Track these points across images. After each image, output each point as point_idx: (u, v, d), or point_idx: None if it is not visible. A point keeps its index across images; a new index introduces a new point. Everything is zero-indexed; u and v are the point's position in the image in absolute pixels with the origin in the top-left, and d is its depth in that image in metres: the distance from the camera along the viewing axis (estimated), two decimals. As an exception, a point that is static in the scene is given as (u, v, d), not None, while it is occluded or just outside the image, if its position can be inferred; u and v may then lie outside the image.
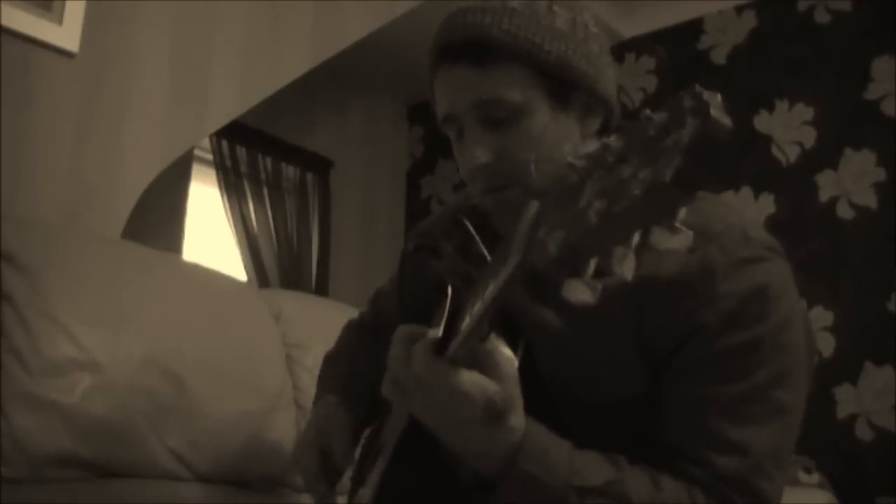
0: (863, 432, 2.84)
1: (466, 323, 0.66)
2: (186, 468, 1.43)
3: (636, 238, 0.46)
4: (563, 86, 0.88)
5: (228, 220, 3.61)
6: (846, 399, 2.89)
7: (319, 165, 4.02)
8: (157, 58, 2.01)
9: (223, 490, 1.49)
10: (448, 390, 0.70)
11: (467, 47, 0.87)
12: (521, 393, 0.73)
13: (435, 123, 0.94)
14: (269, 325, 1.76)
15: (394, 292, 1.25)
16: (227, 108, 2.22)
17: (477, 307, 0.63)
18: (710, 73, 3.45)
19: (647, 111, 0.45)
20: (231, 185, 3.62)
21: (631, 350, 0.85)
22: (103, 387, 1.32)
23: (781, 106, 3.26)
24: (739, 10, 3.45)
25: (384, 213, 4.33)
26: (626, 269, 0.46)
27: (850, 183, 3.04)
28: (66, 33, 1.79)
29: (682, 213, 0.44)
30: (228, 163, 3.63)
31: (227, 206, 3.61)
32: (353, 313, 1.38)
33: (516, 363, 0.73)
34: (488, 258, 0.81)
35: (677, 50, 3.61)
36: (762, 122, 3.28)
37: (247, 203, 3.69)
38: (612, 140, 0.47)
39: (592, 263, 0.49)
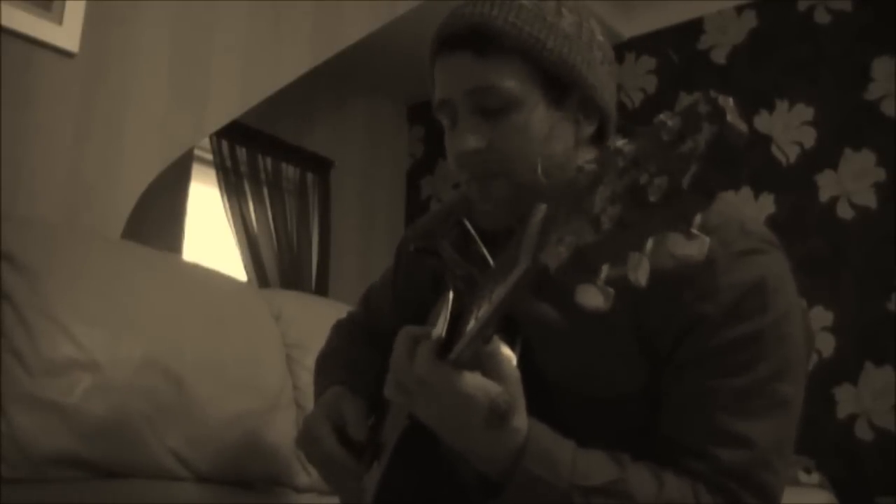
0: (863, 432, 2.84)
1: (472, 326, 0.66)
2: (186, 468, 1.43)
3: (650, 244, 0.45)
4: (560, 86, 0.88)
5: (228, 220, 3.61)
6: (846, 399, 2.89)
7: (319, 165, 4.02)
8: (157, 58, 2.01)
9: (223, 490, 1.48)
10: (451, 393, 0.69)
11: (470, 35, 0.87)
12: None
13: (435, 123, 0.94)
14: (269, 325, 1.76)
15: (387, 289, 1.25)
16: (227, 108, 2.22)
17: (483, 310, 0.63)
18: (710, 73, 3.45)
19: (661, 116, 0.44)
20: (231, 185, 3.62)
21: (630, 345, 0.85)
22: (103, 387, 1.32)
23: (781, 106, 3.26)
24: (739, 10, 3.45)
25: (384, 213, 4.33)
26: (641, 275, 0.46)
27: (850, 183, 3.04)
28: (66, 33, 1.79)
29: (699, 219, 0.43)
30: (228, 163, 3.63)
31: (227, 206, 3.60)
32: (353, 313, 1.38)
33: (515, 361, 0.73)
34: (489, 260, 0.81)
35: (677, 50, 3.61)
36: (762, 122, 3.28)
37: (247, 203, 3.69)
38: (623, 144, 0.47)
39: (605, 269, 0.48)
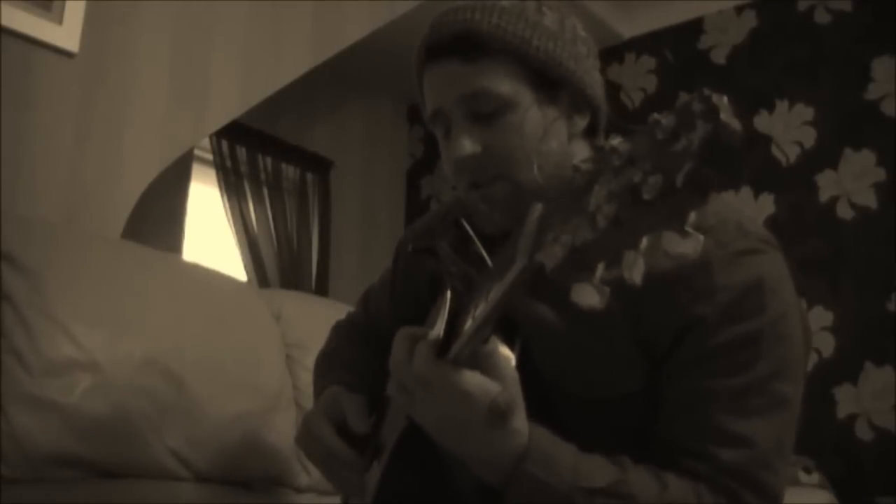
0: (863, 432, 2.84)
1: (469, 325, 0.66)
2: (186, 468, 1.43)
3: (645, 242, 0.45)
4: (550, 83, 0.89)
5: (228, 220, 3.61)
6: (846, 399, 2.88)
7: (319, 165, 4.02)
8: (157, 58, 2.01)
9: (223, 490, 1.48)
10: (450, 391, 0.69)
11: (456, 43, 0.87)
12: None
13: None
14: (269, 325, 1.76)
15: (385, 290, 1.25)
16: (227, 108, 2.22)
17: (480, 309, 0.63)
18: (710, 73, 3.45)
19: (655, 115, 0.44)
20: (231, 185, 3.62)
21: (628, 346, 0.85)
22: (103, 387, 1.32)
23: (781, 106, 3.26)
24: (739, 10, 3.45)
25: (384, 213, 4.33)
26: (636, 273, 0.46)
27: (850, 183, 3.04)
28: (66, 33, 1.79)
29: (693, 217, 0.44)
30: (228, 163, 3.63)
31: (227, 206, 3.60)
32: (353, 313, 1.38)
33: (514, 362, 0.73)
34: (487, 260, 0.81)
35: (677, 50, 3.61)
36: (762, 122, 3.28)
37: (247, 203, 3.68)
38: (619, 143, 0.47)
39: (601, 267, 0.49)
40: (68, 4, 1.79)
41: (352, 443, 1.03)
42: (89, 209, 1.84)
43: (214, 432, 1.47)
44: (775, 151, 3.24)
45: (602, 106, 0.95)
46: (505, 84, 0.87)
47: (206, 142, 3.50)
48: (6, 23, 1.68)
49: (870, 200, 2.99)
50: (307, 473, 1.64)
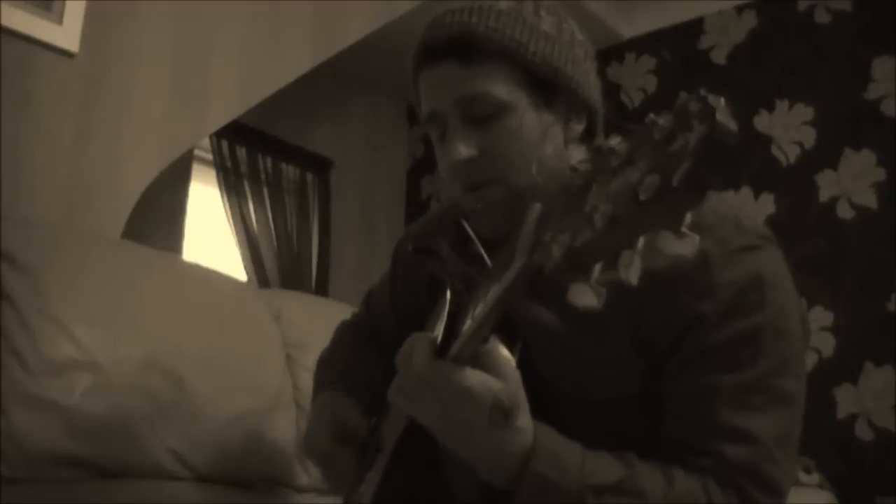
0: (863, 432, 2.83)
1: (469, 325, 0.66)
2: (186, 468, 1.43)
3: (642, 242, 0.45)
4: (546, 86, 0.89)
5: (228, 220, 3.61)
6: (846, 399, 2.88)
7: (319, 165, 4.02)
8: (157, 58, 2.01)
9: (223, 490, 1.48)
10: (451, 388, 0.69)
11: (453, 45, 0.87)
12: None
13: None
14: (269, 325, 1.76)
15: (385, 293, 1.25)
16: (227, 108, 2.22)
17: (479, 309, 0.63)
18: (710, 73, 3.45)
19: (652, 115, 0.44)
20: (231, 185, 3.62)
21: (627, 346, 0.85)
22: (103, 387, 1.32)
23: (781, 106, 3.26)
24: (739, 10, 3.45)
25: (384, 213, 4.33)
26: (633, 273, 0.46)
27: (850, 183, 3.04)
28: (66, 33, 1.79)
29: (689, 217, 0.44)
30: (228, 163, 3.63)
31: (227, 206, 3.60)
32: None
33: (514, 363, 0.73)
34: (486, 260, 0.81)
35: (677, 50, 3.61)
36: (762, 122, 3.28)
37: (247, 203, 3.68)
38: (617, 144, 0.47)
39: (598, 267, 0.49)
40: (68, 4, 1.79)
41: (351, 445, 1.04)
42: (89, 209, 1.84)
43: (214, 432, 1.47)
44: (775, 151, 3.24)
45: (599, 109, 0.95)
46: (501, 87, 0.87)
47: (206, 142, 3.50)
48: (6, 23, 1.68)
49: (870, 200, 2.99)
50: (307, 473, 1.64)
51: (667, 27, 3.64)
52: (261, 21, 2.25)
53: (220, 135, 3.45)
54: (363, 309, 1.33)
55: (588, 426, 0.81)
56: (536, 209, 0.56)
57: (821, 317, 2.97)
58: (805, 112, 3.20)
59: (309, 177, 3.99)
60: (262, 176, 3.78)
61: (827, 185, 3.09)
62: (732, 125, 0.40)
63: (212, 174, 3.60)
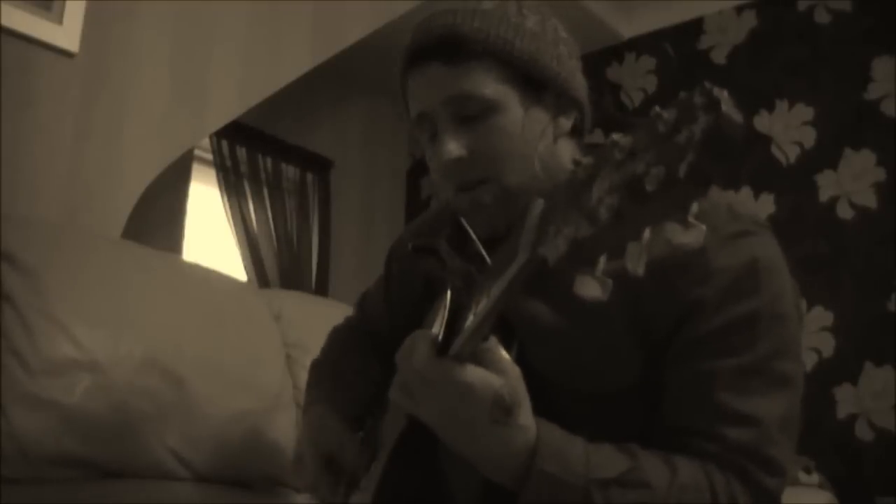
0: (863, 432, 2.83)
1: (471, 321, 0.66)
2: (186, 468, 1.43)
3: (648, 233, 0.46)
4: (534, 84, 0.89)
5: (228, 220, 3.61)
6: (846, 399, 2.88)
7: (319, 165, 4.02)
8: (157, 58, 2.01)
9: (223, 490, 1.48)
10: (452, 385, 0.69)
11: (439, 47, 0.88)
12: None
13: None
14: (269, 325, 1.76)
15: (379, 296, 1.25)
16: (227, 108, 2.22)
17: (482, 305, 0.63)
18: (710, 73, 3.45)
19: (657, 108, 0.44)
20: (231, 185, 3.62)
21: (624, 337, 0.85)
22: (103, 387, 1.32)
23: (781, 106, 3.26)
24: (739, 10, 3.45)
25: (384, 213, 4.33)
26: (640, 265, 0.46)
27: (850, 183, 3.04)
28: (66, 33, 1.79)
29: (695, 208, 0.44)
30: (228, 163, 3.63)
31: (227, 206, 3.60)
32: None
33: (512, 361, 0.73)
34: (486, 257, 0.81)
35: (677, 50, 3.61)
36: (762, 122, 3.28)
37: (247, 203, 3.68)
38: (621, 137, 0.47)
39: (603, 260, 0.49)
40: (68, 4, 1.79)
41: (339, 473, 1.05)
42: (89, 209, 1.84)
43: (214, 432, 1.47)
44: (775, 151, 3.24)
45: (586, 106, 0.96)
46: (489, 86, 0.87)
47: (206, 142, 3.50)
48: (6, 23, 1.68)
49: (870, 200, 2.99)
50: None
51: (667, 27, 3.65)
52: (261, 21, 2.25)
53: (220, 135, 3.45)
54: (357, 312, 1.33)
55: (587, 419, 0.81)
56: (539, 204, 0.56)
57: (821, 317, 2.97)
58: (805, 112, 3.20)
59: (309, 177, 3.99)
60: (262, 176, 3.78)
61: (827, 185, 3.09)
62: (738, 116, 0.41)
63: (212, 174, 3.60)
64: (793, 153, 3.21)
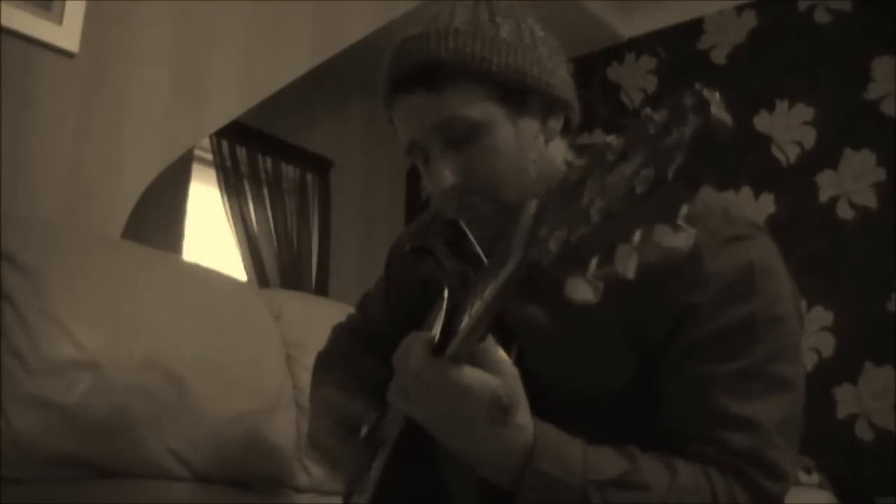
0: (863, 432, 2.83)
1: (466, 322, 0.66)
2: (186, 468, 1.43)
3: (638, 236, 0.46)
4: (517, 94, 0.89)
5: (228, 220, 3.61)
6: (846, 399, 2.88)
7: (319, 165, 4.02)
8: (157, 58, 2.01)
9: (223, 490, 1.49)
10: (449, 386, 0.69)
11: (419, 74, 0.88)
12: None
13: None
14: (269, 325, 1.76)
15: (380, 297, 1.25)
16: (227, 108, 2.22)
17: (477, 307, 0.63)
18: (710, 73, 3.45)
19: (648, 110, 0.45)
20: (231, 185, 3.62)
21: (619, 340, 0.85)
22: (103, 387, 1.32)
23: (781, 106, 3.26)
24: (739, 10, 3.45)
25: (384, 213, 4.33)
26: (630, 267, 0.46)
27: (850, 183, 3.04)
28: (66, 33, 1.79)
29: (685, 210, 0.44)
30: (228, 163, 3.63)
31: (227, 206, 3.60)
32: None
33: (511, 362, 0.73)
34: (483, 258, 0.81)
35: (677, 50, 3.61)
36: (762, 122, 3.28)
37: (247, 203, 3.68)
38: (613, 139, 0.47)
39: (594, 261, 0.49)
40: (68, 4, 1.79)
41: (356, 435, 1.04)
42: (89, 209, 1.84)
43: (214, 432, 1.47)
44: (775, 151, 3.24)
45: (573, 103, 0.95)
46: (474, 107, 0.87)
47: (206, 142, 3.50)
48: (6, 23, 1.68)
49: (870, 200, 2.99)
50: (307, 474, 1.64)
51: (667, 27, 3.64)
52: (261, 21, 2.25)
53: (220, 135, 3.45)
54: (358, 313, 1.33)
55: (584, 421, 0.81)
56: (532, 205, 0.56)
57: (821, 317, 2.97)
58: (805, 112, 3.20)
59: (309, 177, 3.99)
60: (262, 176, 3.78)
61: (827, 185, 3.09)
62: (727, 118, 0.41)
63: (212, 174, 3.60)
64: (793, 153, 3.21)
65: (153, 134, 1.99)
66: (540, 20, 0.95)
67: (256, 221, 3.70)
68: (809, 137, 3.17)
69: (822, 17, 3.21)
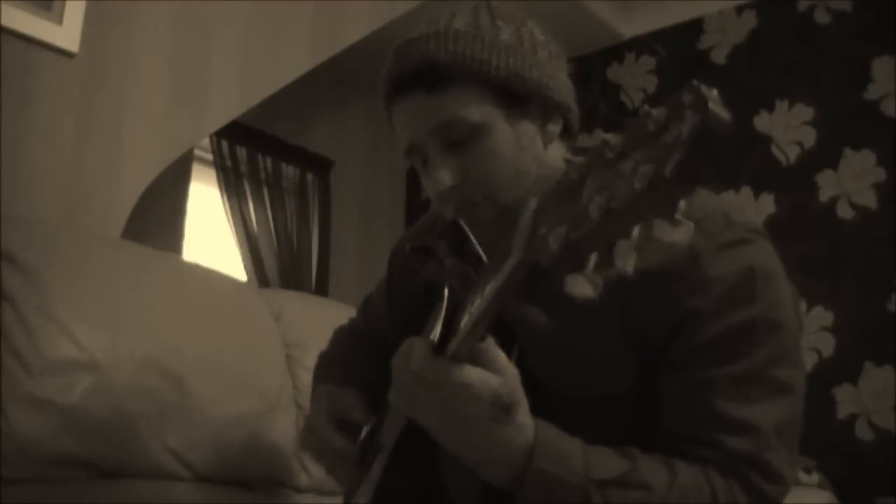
0: (863, 432, 2.83)
1: (466, 321, 0.66)
2: (186, 468, 1.43)
3: (637, 232, 0.46)
4: (517, 98, 0.89)
5: (228, 220, 3.61)
6: (846, 399, 2.88)
7: (319, 165, 4.02)
8: (157, 58, 2.01)
9: (223, 490, 1.49)
10: (451, 386, 0.69)
11: (418, 76, 0.87)
12: None
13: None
14: (269, 325, 1.76)
15: (382, 298, 1.25)
16: (227, 108, 2.22)
17: (477, 305, 0.63)
18: (710, 73, 3.45)
19: (646, 107, 0.45)
20: (231, 185, 3.62)
21: (619, 344, 0.85)
22: (103, 387, 1.32)
23: (781, 106, 3.26)
24: (739, 10, 3.45)
25: (384, 213, 4.33)
26: (629, 263, 0.47)
27: (850, 183, 3.04)
28: (66, 33, 1.79)
29: (683, 205, 0.44)
30: (228, 163, 3.63)
31: (227, 206, 3.60)
32: (353, 313, 1.38)
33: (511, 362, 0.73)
34: (483, 257, 0.81)
35: (677, 50, 3.61)
36: (762, 122, 3.28)
37: (247, 203, 3.68)
38: (611, 136, 0.47)
39: (594, 258, 0.49)
40: (68, 4, 1.79)
41: (352, 438, 1.04)
42: (89, 209, 1.84)
43: (214, 432, 1.47)
44: (775, 151, 3.24)
45: (572, 107, 0.95)
46: (473, 110, 0.87)
47: (206, 142, 3.50)
48: (6, 23, 1.68)
49: (870, 200, 2.99)
50: (307, 473, 1.64)
51: (667, 27, 3.64)
52: (261, 21, 2.25)
53: (220, 135, 3.45)
54: (360, 315, 1.33)
55: (584, 423, 0.81)
56: (532, 203, 0.56)
57: (821, 317, 2.97)
58: (805, 112, 3.20)
59: (309, 177, 3.99)
60: (262, 176, 3.78)
61: (827, 185, 3.09)
62: (725, 114, 0.41)
63: (212, 174, 3.60)
64: (793, 153, 3.21)
65: (153, 134, 1.99)
66: (540, 20, 0.95)
67: (256, 221, 3.70)
68: (809, 137, 3.17)
69: (822, 17, 3.21)
